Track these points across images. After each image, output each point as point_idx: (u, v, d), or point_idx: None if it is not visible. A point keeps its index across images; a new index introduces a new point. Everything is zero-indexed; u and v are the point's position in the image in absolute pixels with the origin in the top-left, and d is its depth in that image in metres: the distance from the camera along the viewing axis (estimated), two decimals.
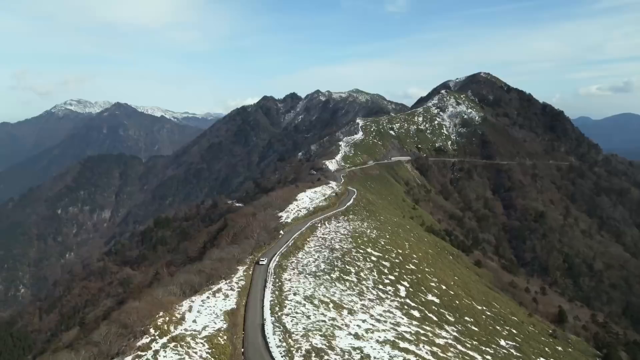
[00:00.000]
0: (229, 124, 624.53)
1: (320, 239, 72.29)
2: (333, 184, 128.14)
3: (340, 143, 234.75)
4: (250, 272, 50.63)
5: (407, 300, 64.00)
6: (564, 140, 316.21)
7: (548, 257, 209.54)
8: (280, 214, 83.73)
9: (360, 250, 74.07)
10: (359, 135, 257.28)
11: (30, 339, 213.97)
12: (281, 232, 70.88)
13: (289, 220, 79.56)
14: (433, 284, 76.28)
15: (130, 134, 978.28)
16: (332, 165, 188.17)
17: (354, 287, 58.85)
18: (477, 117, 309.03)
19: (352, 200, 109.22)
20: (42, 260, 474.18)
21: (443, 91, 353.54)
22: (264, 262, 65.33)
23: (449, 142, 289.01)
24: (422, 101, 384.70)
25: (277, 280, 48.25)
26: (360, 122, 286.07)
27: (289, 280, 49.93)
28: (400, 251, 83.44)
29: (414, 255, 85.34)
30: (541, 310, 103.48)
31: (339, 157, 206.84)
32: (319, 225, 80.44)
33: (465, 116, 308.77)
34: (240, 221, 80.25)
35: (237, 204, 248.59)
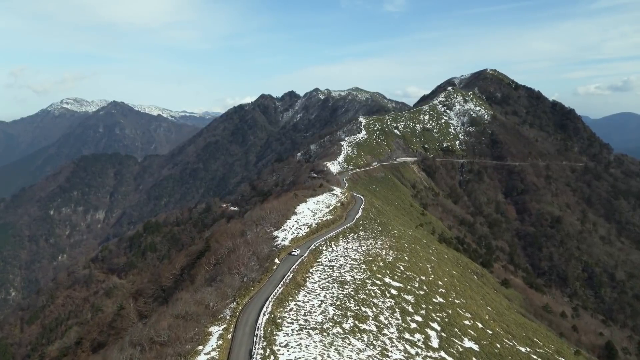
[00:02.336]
0: (225, 122, 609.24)
1: (326, 267, 56.74)
2: (337, 190, 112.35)
3: (342, 143, 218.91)
4: (230, 336, 35.11)
5: (442, 354, 48.68)
6: (575, 140, 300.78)
7: (566, 266, 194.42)
8: (275, 232, 67.72)
9: (377, 282, 58.65)
10: (362, 135, 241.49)
11: (9, 353, 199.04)
12: (276, 260, 55.11)
13: (286, 242, 63.50)
14: (467, 322, 60.93)
15: (126, 132, 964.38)
16: (333, 167, 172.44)
17: (374, 342, 43.43)
18: (486, 116, 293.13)
19: (360, 211, 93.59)
20: (33, 262, 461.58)
21: (449, 88, 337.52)
22: (296, 253, 63.10)
23: (457, 142, 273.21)
24: (426, 99, 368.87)
25: (268, 350, 32.80)
26: (363, 120, 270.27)
27: (286, 345, 34.59)
28: (424, 277, 68.04)
29: (440, 282, 69.96)
30: (584, 341, 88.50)
31: (341, 158, 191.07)
32: (324, 247, 64.64)
33: (474, 114, 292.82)
34: (226, 243, 64.43)
35: (232, 208, 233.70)
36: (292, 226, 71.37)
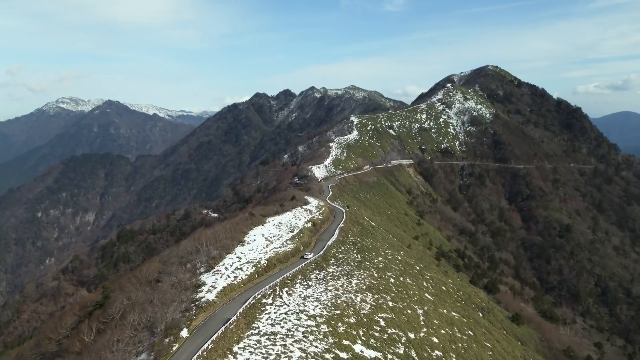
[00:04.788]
0: (219, 122, 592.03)
1: (264, 338, 38.10)
2: (313, 203, 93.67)
3: (330, 144, 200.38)
4: None
5: None
6: (582, 140, 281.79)
7: (578, 281, 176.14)
8: (203, 277, 47.85)
9: (342, 354, 40.22)
10: (354, 135, 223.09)
11: None
12: (183, 332, 36.23)
13: (212, 295, 43.41)
14: None
15: (121, 132, 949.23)
16: (319, 171, 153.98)
17: None
18: (487, 114, 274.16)
19: (336, 232, 75.06)
20: (20, 266, 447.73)
21: (449, 85, 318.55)
22: (309, 257, 61.12)
23: (457, 143, 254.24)
24: (424, 97, 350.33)
25: None
26: (354, 119, 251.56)
27: None
28: (412, 335, 49.70)
29: (435, 340, 51.62)
30: None
31: (328, 161, 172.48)
32: (270, 299, 45.46)
33: (475, 113, 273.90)
34: (130, 295, 45.60)
35: (213, 214, 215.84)
36: (231, 265, 52.62)
